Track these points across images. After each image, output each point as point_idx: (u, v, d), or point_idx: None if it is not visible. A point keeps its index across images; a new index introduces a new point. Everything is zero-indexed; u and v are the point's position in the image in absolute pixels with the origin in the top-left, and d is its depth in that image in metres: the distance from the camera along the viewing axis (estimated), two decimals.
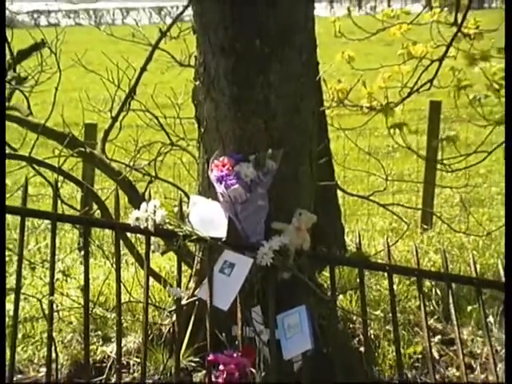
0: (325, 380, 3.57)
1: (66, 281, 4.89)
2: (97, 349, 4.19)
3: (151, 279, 4.08)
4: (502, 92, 3.63)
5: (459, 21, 3.59)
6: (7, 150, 4.79)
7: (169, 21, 5.38)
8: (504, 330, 3.22)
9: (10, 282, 4.77)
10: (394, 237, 5.93)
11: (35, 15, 37.61)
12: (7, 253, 5.50)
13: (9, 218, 6.56)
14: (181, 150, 4.96)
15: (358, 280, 3.96)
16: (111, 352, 4.10)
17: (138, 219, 3.70)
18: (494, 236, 5.86)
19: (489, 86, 3.67)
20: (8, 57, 5.15)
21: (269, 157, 3.63)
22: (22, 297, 3.80)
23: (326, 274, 4.06)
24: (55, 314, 3.96)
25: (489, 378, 4.03)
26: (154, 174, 4.83)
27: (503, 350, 4.13)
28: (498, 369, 3.89)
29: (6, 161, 4.94)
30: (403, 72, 3.69)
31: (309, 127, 3.89)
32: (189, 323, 3.94)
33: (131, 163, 4.84)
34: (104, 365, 4.03)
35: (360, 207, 7.24)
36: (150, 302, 3.85)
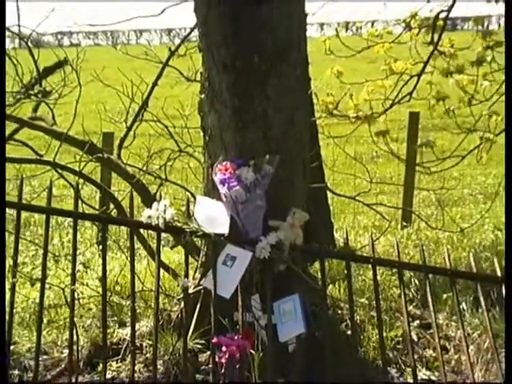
0: (316, 359, 3.57)
1: (86, 272, 4.88)
2: (113, 332, 4.19)
3: (162, 270, 4.07)
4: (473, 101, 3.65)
5: (435, 40, 3.60)
6: (34, 156, 4.79)
7: (177, 41, 5.38)
8: (504, 331, 3.18)
9: (36, 273, 4.78)
10: (377, 233, 5.92)
11: (59, 36, 37.58)
12: (34, 247, 5.52)
13: (35, 216, 6.59)
14: (188, 155, 4.95)
15: (345, 271, 3.96)
16: (126, 335, 4.09)
17: (150, 217, 3.70)
18: (467, 232, 5.86)
19: (461, 98, 3.67)
20: (34, 73, 5.16)
21: (266, 162, 3.63)
22: (46, 286, 3.79)
23: (317, 265, 4.06)
24: (76, 301, 3.96)
25: (461, 358, 4.02)
26: (164, 177, 4.83)
27: (475, 334, 4.13)
28: (469, 350, 3.90)
29: (33, 165, 4.96)
30: (385, 86, 3.69)
31: (302, 136, 3.89)
32: (195, 310, 3.93)
33: (144, 168, 4.84)
34: (120, 346, 4.03)
35: (347, 207, 7.23)
36: (160, 290, 3.84)
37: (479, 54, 3.57)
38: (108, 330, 3.90)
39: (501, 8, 3.69)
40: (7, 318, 3.59)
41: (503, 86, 3.59)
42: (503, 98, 3.68)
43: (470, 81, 3.61)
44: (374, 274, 3.91)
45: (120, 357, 3.95)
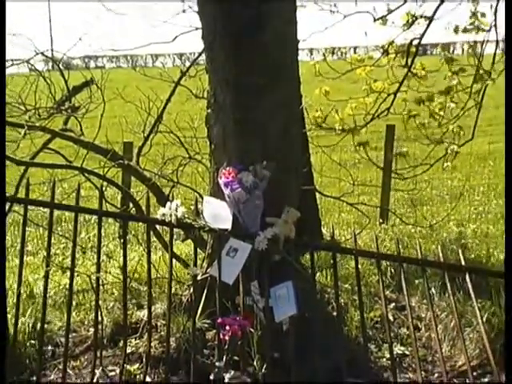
0: (307, 336, 3.56)
1: (109, 262, 4.89)
2: (132, 313, 4.18)
3: (174, 260, 4.07)
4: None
5: (409, 64, 3.60)
6: (64, 162, 4.78)
7: (188, 64, 5.37)
8: (504, 331, 3.13)
9: (67, 262, 4.77)
10: (358, 228, 5.91)
11: (86, 59, 37.41)
12: (65, 240, 5.50)
13: (66, 213, 6.56)
14: (197, 162, 4.95)
15: (331, 261, 3.95)
16: (143, 316, 4.08)
17: (164, 215, 3.69)
18: (435, 227, 5.85)
19: (430, 114, 3.68)
20: (65, 91, 5.14)
21: (264, 167, 3.62)
22: (75, 274, 3.78)
23: (308, 256, 4.05)
24: (101, 287, 3.95)
25: (431, 336, 4.01)
26: (176, 180, 4.82)
27: (442, 314, 4.12)
28: (438, 329, 3.89)
29: (64, 170, 4.94)
30: (366, 103, 3.70)
31: (295, 144, 3.88)
32: (203, 294, 3.92)
33: (159, 172, 4.83)
34: (138, 325, 4.02)
35: (333, 206, 7.21)
36: (173, 277, 3.83)
37: (447, 87, 3.60)
38: (128, 312, 3.88)
39: (464, 36, 3.70)
40: (42, 301, 3.59)
41: (468, 105, 3.60)
42: (467, 113, 3.69)
43: (440, 107, 3.64)
44: (356, 264, 3.90)
45: (138, 334, 3.94)
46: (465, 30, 3.59)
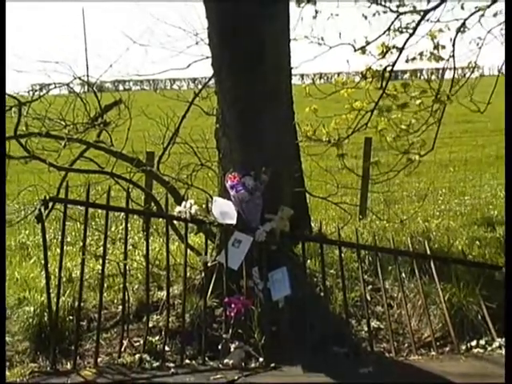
0: (298, 313, 3.56)
1: (135, 251, 4.87)
2: (154, 294, 4.16)
3: (188, 250, 4.06)
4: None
5: (383, 86, 3.61)
6: (98, 168, 4.76)
7: (200, 87, 5.36)
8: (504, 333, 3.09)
9: (99, 251, 4.75)
10: (341, 223, 5.88)
11: (115, 83, 37.27)
12: (97, 233, 5.47)
13: (99, 211, 6.51)
14: (207, 168, 4.94)
15: (319, 250, 3.95)
16: (163, 296, 4.06)
17: (180, 212, 3.70)
18: (405, 222, 5.82)
19: (400, 130, 3.70)
20: (98, 109, 5.13)
21: (263, 172, 3.63)
22: (106, 261, 3.77)
23: (299, 246, 4.05)
24: (127, 272, 3.93)
25: (402, 313, 4.00)
26: (190, 183, 4.82)
27: (411, 295, 4.10)
28: (407, 306, 3.89)
29: (97, 175, 4.92)
30: (348, 119, 3.70)
31: (289, 153, 3.89)
32: (212, 278, 3.91)
33: (176, 176, 4.82)
34: (158, 304, 4.00)
35: (320, 204, 7.18)
36: (187, 264, 3.83)
37: (404, 102, 3.63)
38: (150, 292, 3.87)
39: (428, 64, 3.72)
40: (78, 283, 3.59)
41: (429, 121, 3.62)
42: (431, 127, 3.69)
43: (402, 119, 3.67)
44: (340, 253, 3.90)
45: (159, 311, 3.92)
46: (429, 59, 3.61)
